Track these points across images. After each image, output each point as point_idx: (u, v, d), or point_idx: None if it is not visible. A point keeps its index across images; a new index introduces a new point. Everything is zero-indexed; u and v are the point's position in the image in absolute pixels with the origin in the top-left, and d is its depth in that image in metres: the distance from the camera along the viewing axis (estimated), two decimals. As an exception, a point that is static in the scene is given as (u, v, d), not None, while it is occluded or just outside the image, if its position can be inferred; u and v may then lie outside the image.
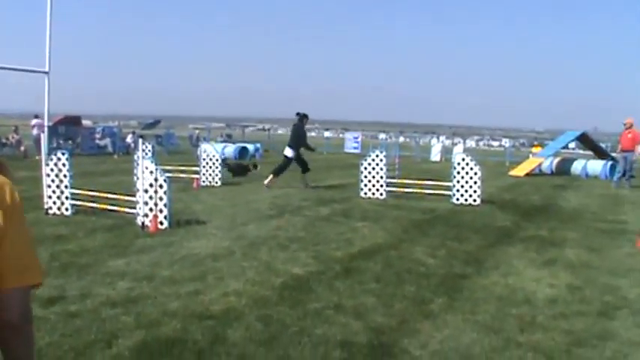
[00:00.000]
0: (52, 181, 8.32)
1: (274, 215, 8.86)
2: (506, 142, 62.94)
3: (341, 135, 61.45)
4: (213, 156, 13.31)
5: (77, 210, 8.40)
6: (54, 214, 8.25)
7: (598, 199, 13.15)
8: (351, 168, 17.98)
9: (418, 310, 4.44)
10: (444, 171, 16.71)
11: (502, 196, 12.80)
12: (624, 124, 16.30)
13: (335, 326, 3.99)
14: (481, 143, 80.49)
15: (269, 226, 7.88)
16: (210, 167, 13.20)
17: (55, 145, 20.86)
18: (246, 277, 5.18)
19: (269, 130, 57.11)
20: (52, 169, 8.36)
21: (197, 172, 13.24)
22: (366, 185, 11.64)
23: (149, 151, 13.12)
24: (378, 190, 11.54)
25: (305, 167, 12.97)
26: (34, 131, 20.94)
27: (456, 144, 45.65)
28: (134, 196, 7.80)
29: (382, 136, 69.17)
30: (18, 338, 1.32)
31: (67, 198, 8.30)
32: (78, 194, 8.47)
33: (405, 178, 12.64)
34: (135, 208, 7.69)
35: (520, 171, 19.99)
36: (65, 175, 8.34)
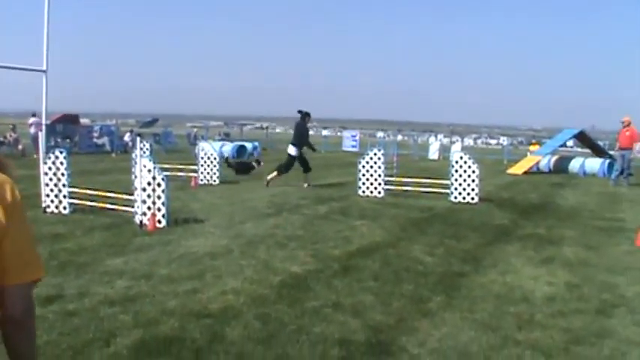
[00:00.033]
0: (50, 179, 8.30)
1: (272, 214, 8.86)
2: (504, 141, 63.08)
3: (339, 133, 61.47)
4: (211, 154, 13.30)
5: (75, 208, 8.39)
6: (52, 212, 8.24)
7: (596, 197, 13.17)
8: (349, 166, 17.98)
9: (416, 308, 4.44)
10: (442, 169, 16.73)
11: (500, 194, 12.81)
12: (622, 122, 16.32)
13: (333, 324, 3.99)
14: (479, 141, 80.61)
15: (267, 224, 7.88)
16: (208, 166, 13.19)
17: (52, 143, 20.81)
18: (244, 276, 5.18)
19: (267, 128, 57.11)
20: (49, 168, 8.34)
21: (195, 171, 13.23)
22: (364, 183, 11.64)
23: (147, 149, 13.15)
24: (376, 188, 11.54)
25: (306, 166, 12.96)
26: (32, 130, 20.89)
27: (454, 142, 45.64)
28: (132, 194, 7.79)
29: (380, 134, 69.27)
30: (21, 333, 1.36)
31: (64, 196, 8.29)
32: (76, 193, 8.46)
33: (403, 177, 12.67)
34: (133, 206, 7.68)
35: (518, 169, 20.01)
36: (63, 174, 8.33)
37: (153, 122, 45.03)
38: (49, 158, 8.38)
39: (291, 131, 14.00)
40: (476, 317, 4.26)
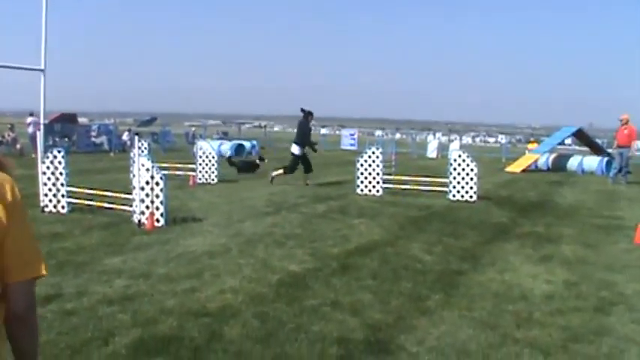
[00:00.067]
0: (48, 179, 8.29)
1: (271, 212, 8.85)
2: (502, 139, 63.06)
3: (337, 132, 61.44)
4: (210, 153, 13.29)
5: (73, 208, 8.38)
6: (50, 212, 8.23)
7: (594, 195, 13.19)
8: (347, 165, 17.99)
9: (415, 306, 4.44)
10: (440, 167, 16.74)
11: (498, 192, 12.82)
12: (620, 120, 16.33)
13: (332, 323, 3.99)
14: (477, 140, 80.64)
15: (265, 223, 7.88)
16: (207, 165, 13.18)
17: (51, 142, 20.78)
18: (242, 274, 5.18)
19: (265, 127, 57.09)
20: (48, 167, 8.33)
21: (193, 170, 13.22)
22: (362, 182, 11.65)
23: (145, 148, 13.15)
24: (374, 186, 11.54)
25: (308, 167, 12.95)
26: (30, 129, 20.85)
27: (452, 140, 45.65)
28: (130, 193, 7.79)
29: (379, 132, 69.27)
30: (24, 329, 1.41)
31: (63, 196, 8.28)
32: (74, 192, 8.45)
33: (401, 175, 12.67)
34: (131, 205, 7.68)
35: (516, 167, 20.02)
36: (61, 173, 8.31)
37: (151, 121, 45.05)
38: (47, 157, 8.36)
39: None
40: (474, 315, 4.27)
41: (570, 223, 8.78)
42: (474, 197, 10.79)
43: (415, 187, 11.66)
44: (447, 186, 11.08)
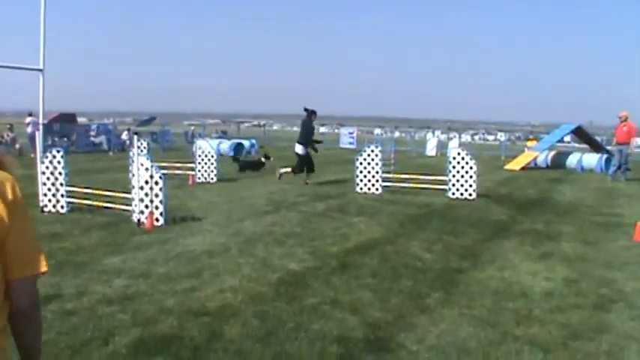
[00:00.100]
0: (48, 178, 8.29)
1: (270, 211, 8.85)
2: (501, 136, 63.04)
3: (336, 130, 61.41)
4: (209, 152, 13.28)
5: (73, 208, 8.38)
6: (49, 211, 8.23)
7: (593, 192, 13.19)
8: (346, 163, 17.99)
9: (415, 304, 4.45)
10: (439, 165, 16.74)
11: (498, 190, 12.82)
12: (619, 117, 16.33)
13: (331, 321, 3.99)
14: (476, 137, 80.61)
15: (265, 222, 7.88)
16: (206, 164, 13.18)
17: (50, 142, 20.75)
18: (242, 274, 5.18)
19: (264, 126, 57.07)
20: (47, 167, 8.33)
21: (192, 169, 13.22)
22: (361, 180, 11.65)
23: (144, 148, 13.13)
24: (373, 185, 11.54)
25: (310, 167, 12.94)
26: (29, 129, 20.83)
27: (451, 138, 45.67)
28: (130, 193, 7.78)
29: (378, 131, 69.18)
30: (28, 324, 1.44)
31: (62, 196, 8.28)
32: (73, 192, 8.45)
33: (400, 173, 12.66)
34: (130, 205, 7.67)
35: (516, 165, 20.03)
36: (60, 173, 8.31)
37: (150, 121, 45.01)
38: (47, 157, 8.36)
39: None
40: (474, 313, 4.27)
41: (570, 220, 8.78)
42: (474, 195, 10.79)
43: (414, 186, 11.66)
44: (447, 184, 11.08)
